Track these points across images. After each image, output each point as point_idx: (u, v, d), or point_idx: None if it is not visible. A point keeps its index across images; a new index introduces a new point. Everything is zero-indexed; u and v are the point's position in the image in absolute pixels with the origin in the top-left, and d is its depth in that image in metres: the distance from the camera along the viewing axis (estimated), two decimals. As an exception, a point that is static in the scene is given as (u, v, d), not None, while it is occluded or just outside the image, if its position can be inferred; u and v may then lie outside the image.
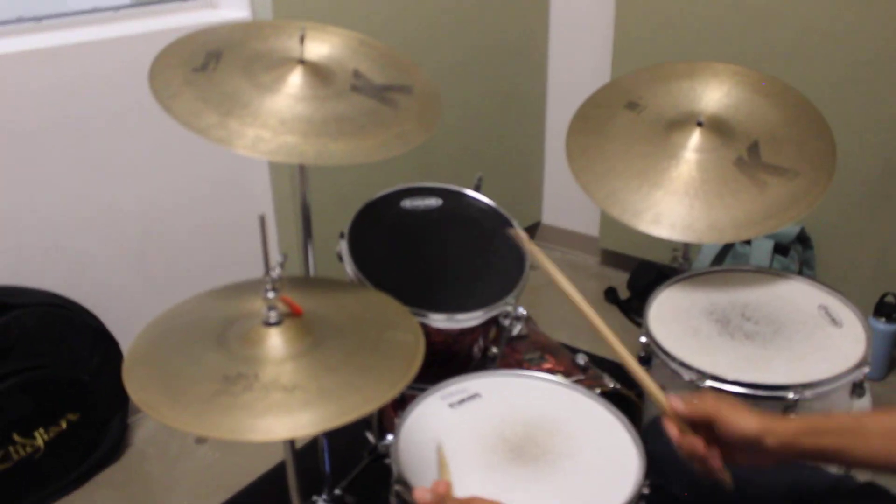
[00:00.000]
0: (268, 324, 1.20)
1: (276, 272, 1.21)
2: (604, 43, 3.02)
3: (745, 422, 1.05)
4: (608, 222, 3.19)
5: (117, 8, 2.24)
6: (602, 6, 3.01)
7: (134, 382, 1.13)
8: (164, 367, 1.17)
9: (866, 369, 1.52)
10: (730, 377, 1.48)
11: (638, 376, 1.19)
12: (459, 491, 1.08)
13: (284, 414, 1.07)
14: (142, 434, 2.36)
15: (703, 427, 1.09)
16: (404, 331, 1.28)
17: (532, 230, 3.56)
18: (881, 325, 2.46)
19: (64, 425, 2.11)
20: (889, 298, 2.48)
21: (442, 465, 1.22)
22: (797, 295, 1.72)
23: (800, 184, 1.68)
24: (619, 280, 3.19)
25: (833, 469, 1.52)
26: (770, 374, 1.49)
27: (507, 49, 3.09)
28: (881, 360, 2.51)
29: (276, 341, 1.19)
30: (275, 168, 2.44)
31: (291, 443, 1.37)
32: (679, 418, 1.11)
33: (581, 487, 1.22)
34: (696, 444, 1.09)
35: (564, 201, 3.47)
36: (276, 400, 1.08)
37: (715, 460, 1.09)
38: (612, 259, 3.35)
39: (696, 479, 1.28)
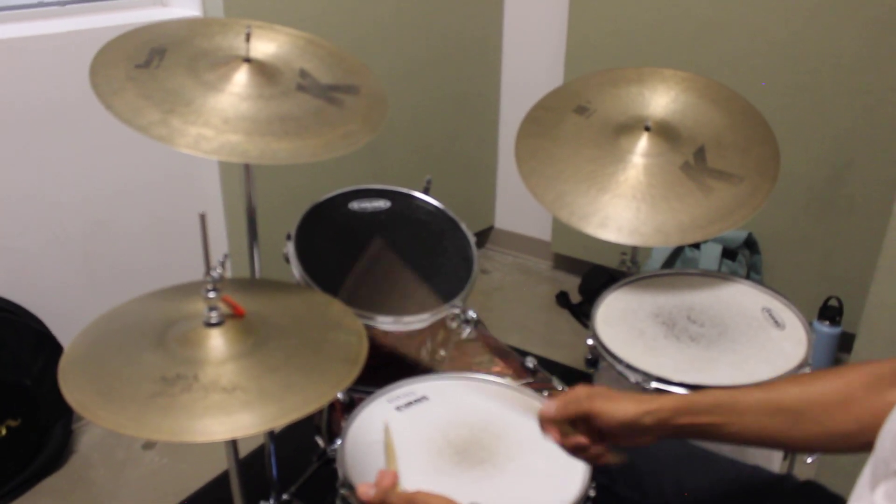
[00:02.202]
0: (209, 324, 1.19)
1: (216, 272, 1.19)
2: (557, 46, 3.04)
3: (622, 409, 1.05)
4: (560, 227, 3.21)
5: (64, 3, 2.20)
6: (555, 10, 3.04)
7: (69, 384, 1.11)
8: (101, 369, 1.15)
9: (808, 370, 1.54)
10: (675, 379, 1.49)
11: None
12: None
13: (224, 415, 1.05)
14: (87, 440, 2.32)
15: (582, 421, 1.10)
16: (347, 332, 1.27)
17: (484, 234, 3.57)
18: (825, 328, 2.51)
19: (4, 431, 2.06)
20: (833, 302, 2.53)
21: (389, 448, 1.21)
22: (742, 298, 1.75)
23: (744, 189, 1.71)
24: (571, 284, 3.21)
25: (775, 466, 1.55)
26: (714, 375, 1.51)
27: (460, 51, 3.09)
28: (825, 362, 2.56)
29: (216, 342, 1.17)
30: (224, 167, 2.41)
31: (234, 444, 1.36)
32: (557, 421, 1.12)
33: (527, 490, 1.22)
34: (579, 441, 1.09)
35: (517, 205, 3.48)
36: (216, 401, 1.07)
37: (600, 450, 1.10)
38: (564, 263, 3.37)
39: (641, 479, 1.29)
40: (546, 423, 1.12)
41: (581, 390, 1.10)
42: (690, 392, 1.10)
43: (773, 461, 1.56)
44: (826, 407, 0.98)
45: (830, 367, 1.23)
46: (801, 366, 1.53)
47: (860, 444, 0.92)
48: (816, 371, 1.06)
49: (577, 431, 1.10)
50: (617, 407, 1.06)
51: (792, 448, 1.12)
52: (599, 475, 1.23)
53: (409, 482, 1.18)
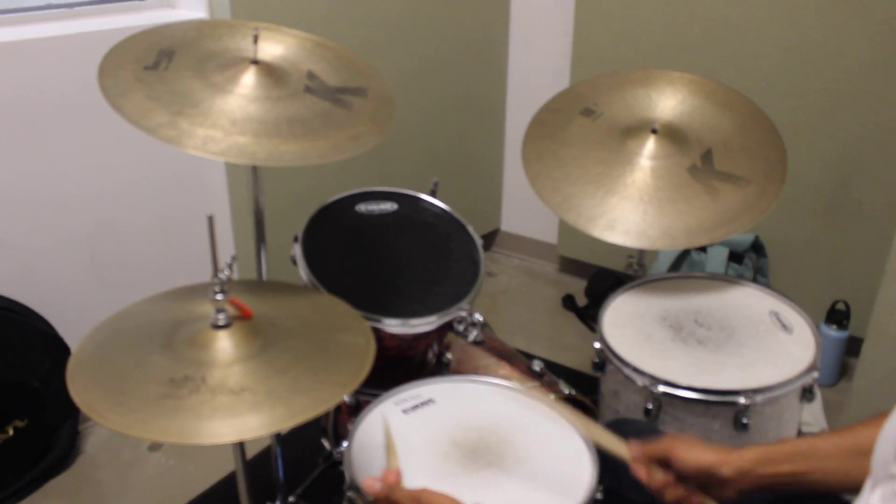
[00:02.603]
0: (216, 326, 1.19)
1: (224, 274, 1.19)
2: (563, 49, 3.04)
3: (700, 455, 1.09)
4: (566, 229, 3.21)
5: (72, 5, 2.21)
6: (562, 12, 3.03)
7: (78, 385, 1.11)
8: (109, 371, 1.15)
9: (815, 374, 1.54)
10: (682, 382, 1.49)
11: (600, 440, 1.21)
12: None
13: (231, 416, 1.05)
14: (94, 441, 2.32)
15: (663, 465, 1.12)
16: (355, 334, 1.27)
17: (490, 237, 3.57)
18: (832, 331, 2.50)
19: (11, 432, 2.06)
20: (840, 306, 2.52)
21: (390, 448, 1.21)
22: (749, 301, 1.74)
23: (751, 192, 1.70)
24: (577, 287, 3.20)
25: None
26: (721, 379, 1.51)
27: (467, 53, 3.09)
28: (832, 366, 2.55)
29: (224, 344, 1.17)
30: (231, 169, 2.42)
31: (241, 446, 1.36)
32: (642, 459, 1.14)
33: (534, 493, 1.22)
34: (666, 480, 1.11)
35: (523, 208, 3.48)
36: (224, 403, 1.07)
37: (692, 492, 1.11)
38: (571, 266, 3.37)
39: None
40: (634, 461, 1.15)
41: (668, 435, 1.13)
42: (769, 444, 1.11)
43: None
44: None
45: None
46: (809, 370, 1.53)
47: None
48: (888, 411, 1.06)
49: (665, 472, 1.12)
50: (694, 452, 1.09)
51: None
52: (608, 479, 1.23)
53: (416, 485, 1.18)
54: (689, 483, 1.12)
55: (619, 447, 1.19)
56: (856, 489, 1.09)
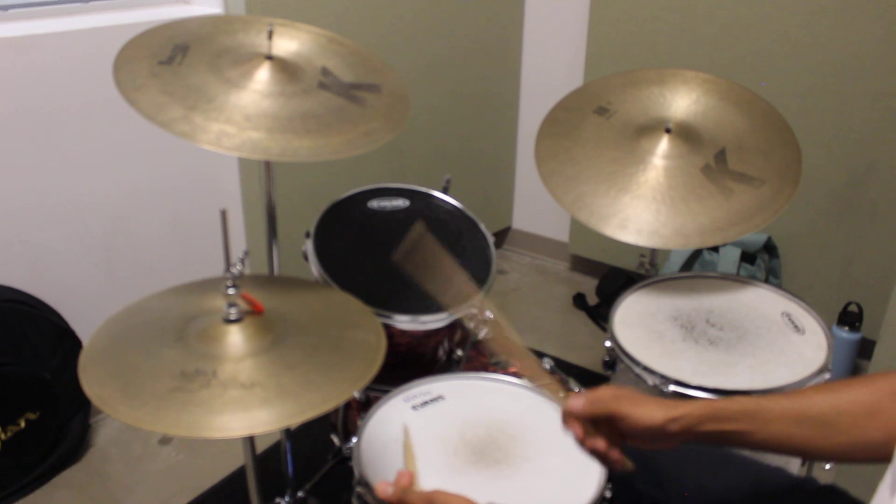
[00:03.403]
0: (228, 321, 1.19)
1: (236, 269, 1.19)
2: (577, 47, 3.04)
3: (649, 414, 1.05)
4: (578, 228, 3.20)
5: (87, 0, 2.22)
6: (576, 10, 3.03)
7: (90, 378, 1.12)
8: (120, 364, 1.16)
9: (827, 375, 1.53)
10: (693, 382, 1.48)
11: (539, 379, 1.18)
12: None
13: (242, 411, 1.06)
14: (104, 434, 2.33)
15: (605, 422, 1.09)
16: (366, 330, 1.27)
17: (502, 235, 3.57)
18: (844, 333, 2.49)
19: (23, 424, 2.07)
20: (852, 307, 2.51)
21: (407, 450, 1.21)
22: (761, 302, 1.73)
23: (765, 192, 1.70)
24: (589, 286, 3.20)
25: (794, 470, 1.54)
26: (733, 379, 1.50)
27: (480, 51, 3.09)
28: (844, 368, 2.54)
29: (235, 338, 1.18)
30: (244, 165, 2.42)
31: (251, 441, 1.36)
32: (581, 418, 1.11)
33: (543, 490, 1.22)
34: (597, 444, 1.09)
35: (535, 206, 3.48)
36: (234, 397, 1.07)
37: (616, 455, 1.09)
38: (582, 265, 3.36)
39: (662, 477, 1.29)
40: (570, 418, 1.12)
41: (607, 391, 1.09)
42: (716, 398, 1.09)
43: (792, 464, 1.55)
44: (854, 416, 0.97)
45: (858, 376, 1.21)
46: (820, 371, 1.52)
47: (887, 454, 0.91)
48: (844, 379, 1.05)
49: (599, 432, 1.09)
50: (643, 411, 1.05)
51: (818, 458, 1.11)
52: (618, 473, 1.23)
53: (426, 481, 1.18)
54: (622, 440, 1.08)
55: (559, 399, 1.15)
56: (796, 453, 1.08)
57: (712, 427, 1.03)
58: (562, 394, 1.14)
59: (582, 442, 1.10)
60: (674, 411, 1.04)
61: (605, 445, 1.08)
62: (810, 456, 1.30)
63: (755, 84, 1.90)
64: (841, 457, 1.01)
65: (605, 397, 1.08)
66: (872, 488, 0.86)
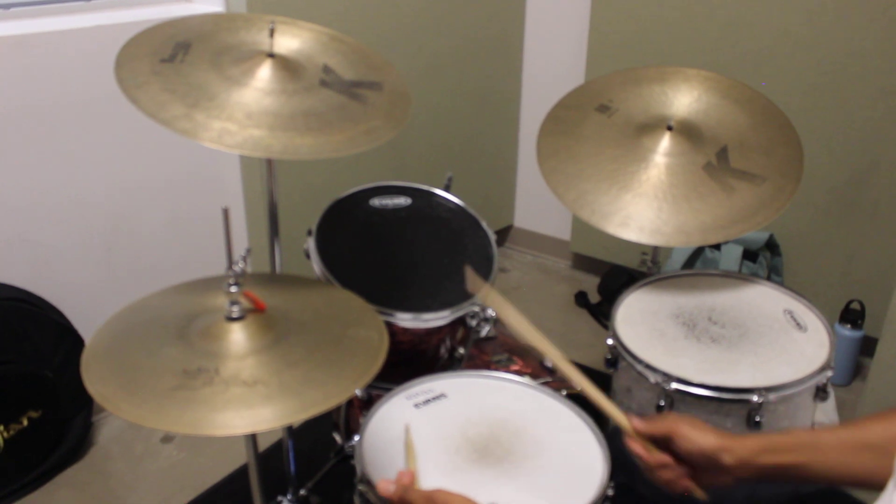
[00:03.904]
0: (230, 318, 1.19)
1: (238, 266, 1.19)
2: (579, 44, 3.04)
3: (704, 438, 1.07)
4: (580, 226, 3.20)
5: (90, -2, 2.22)
6: (577, 8, 3.03)
7: (92, 376, 1.12)
8: (123, 362, 1.15)
9: (829, 373, 1.53)
10: (695, 380, 1.48)
11: (597, 400, 1.19)
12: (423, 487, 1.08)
13: (245, 408, 1.05)
14: (106, 433, 2.33)
15: (663, 445, 1.10)
16: (368, 328, 1.27)
17: (504, 233, 3.57)
18: (847, 331, 2.49)
19: (25, 423, 2.07)
20: (855, 305, 2.51)
21: (409, 449, 1.21)
22: (763, 299, 1.73)
23: (767, 190, 1.69)
24: (590, 284, 3.20)
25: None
26: (735, 376, 1.50)
27: (482, 49, 3.09)
28: (846, 366, 2.54)
29: (237, 336, 1.18)
30: (246, 163, 2.42)
31: (253, 438, 1.36)
32: (641, 436, 1.12)
33: (545, 488, 1.21)
34: (664, 459, 1.10)
35: (537, 204, 3.48)
36: (237, 394, 1.07)
37: (683, 476, 1.10)
38: (584, 263, 3.36)
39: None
40: (631, 436, 1.14)
41: (671, 414, 1.12)
42: (773, 433, 1.10)
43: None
44: None
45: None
46: (823, 368, 1.52)
47: None
48: None
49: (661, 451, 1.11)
50: (699, 435, 1.08)
51: (877, 487, 1.12)
52: (621, 475, 1.23)
53: (427, 479, 1.18)
54: (683, 466, 1.10)
55: (619, 417, 1.16)
56: (857, 483, 1.08)
57: (769, 460, 1.04)
58: (620, 412, 1.16)
59: (646, 459, 1.12)
60: (728, 441, 1.06)
61: (672, 459, 1.09)
62: (869, 486, 1.30)
63: (756, 82, 1.90)
64: None
65: (666, 417, 1.11)
66: (873, 492, 0.86)
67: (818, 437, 1.04)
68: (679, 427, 1.09)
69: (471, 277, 1.39)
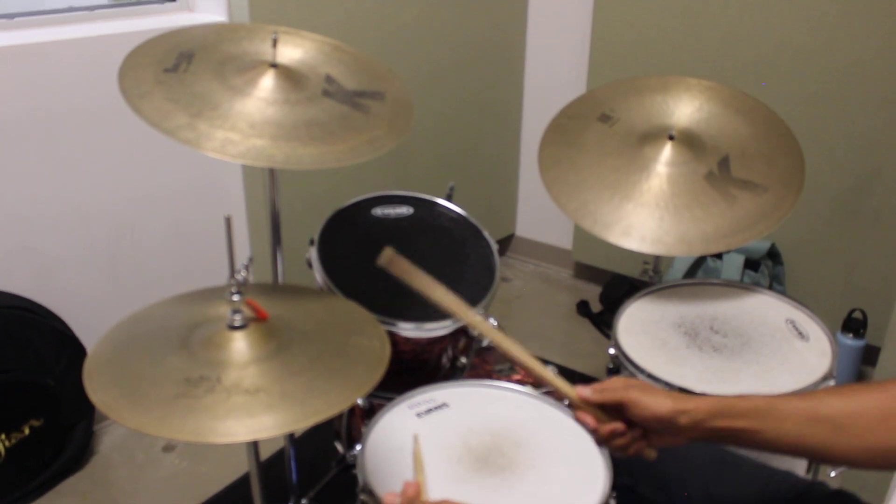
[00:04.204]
0: (232, 327, 1.19)
1: (241, 275, 1.20)
2: (580, 54, 3.04)
3: (658, 403, 1.06)
4: (581, 235, 3.21)
5: (93, 8, 2.23)
6: (579, 17, 3.04)
7: (94, 384, 1.12)
8: (125, 370, 1.16)
9: (832, 382, 1.53)
10: (697, 389, 1.48)
11: (542, 374, 1.18)
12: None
13: (246, 416, 1.06)
14: (108, 441, 2.33)
15: (615, 412, 1.09)
16: (370, 337, 1.27)
17: (505, 242, 3.57)
18: (849, 340, 2.49)
19: (27, 431, 2.07)
20: (857, 314, 2.51)
21: (417, 460, 1.21)
22: (765, 309, 1.73)
23: (769, 199, 1.70)
24: (592, 293, 3.20)
25: (802, 474, 1.54)
26: (737, 386, 1.50)
27: (483, 58, 3.10)
28: (849, 375, 2.53)
29: (240, 345, 1.18)
30: (248, 172, 2.43)
31: (255, 446, 1.36)
32: (592, 407, 1.11)
33: (547, 498, 1.21)
34: (615, 427, 1.09)
35: (538, 214, 3.48)
36: (239, 403, 1.07)
37: (636, 440, 1.09)
38: (586, 272, 3.36)
39: (667, 482, 1.28)
40: (580, 407, 1.12)
41: (618, 380, 1.10)
42: (728, 396, 1.09)
43: (798, 468, 1.55)
44: (868, 420, 0.97)
45: (873, 381, 1.21)
46: (825, 378, 1.52)
47: None
48: (859, 383, 1.05)
49: (613, 419, 1.10)
50: (653, 400, 1.06)
51: (828, 461, 1.11)
52: (623, 476, 1.22)
53: (430, 489, 1.17)
54: (636, 430, 1.10)
55: (566, 388, 1.15)
56: (807, 455, 1.08)
57: (722, 423, 1.03)
58: (567, 385, 1.15)
59: (597, 429, 1.10)
60: (684, 403, 1.05)
61: (624, 426, 1.08)
62: (820, 458, 1.29)
63: (758, 91, 1.90)
64: (852, 461, 1.00)
65: (615, 385, 1.09)
66: (880, 493, 0.86)
67: (774, 404, 1.03)
68: (630, 394, 1.08)
69: (385, 254, 1.26)
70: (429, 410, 1.39)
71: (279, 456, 1.82)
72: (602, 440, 1.13)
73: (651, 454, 1.10)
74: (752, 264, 2.65)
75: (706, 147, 1.78)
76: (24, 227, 2.10)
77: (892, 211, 2.52)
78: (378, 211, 1.79)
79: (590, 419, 1.11)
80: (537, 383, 1.78)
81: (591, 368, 2.69)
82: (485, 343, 1.93)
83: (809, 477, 1.58)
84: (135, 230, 2.32)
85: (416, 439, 1.26)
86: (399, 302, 1.62)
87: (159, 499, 2.14)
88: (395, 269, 1.20)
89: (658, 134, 1.79)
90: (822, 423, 0.99)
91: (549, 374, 1.18)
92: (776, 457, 1.38)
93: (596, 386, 1.10)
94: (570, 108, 1.92)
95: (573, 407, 1.14)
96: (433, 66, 2.88)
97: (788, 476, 1.30)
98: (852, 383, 1.04)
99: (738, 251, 2.63)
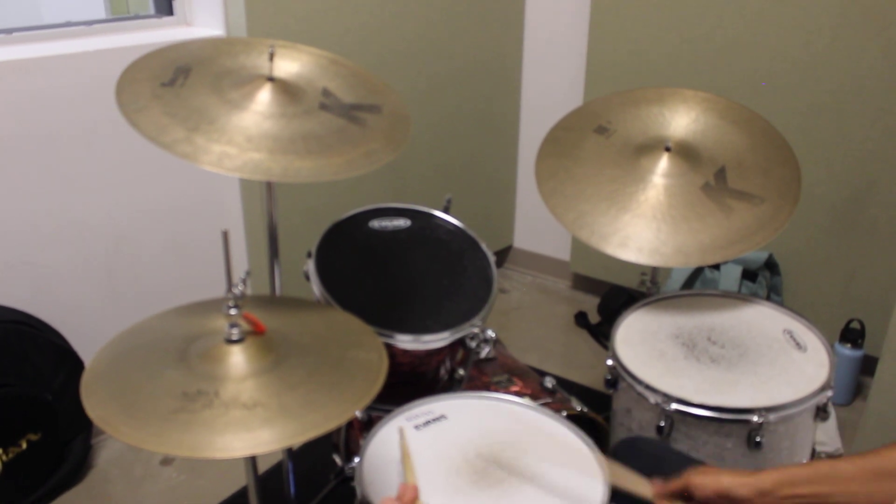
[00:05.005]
0: (229, 341, 1.19)
1: (238, 289, 1.20)
2: (577, 66, 3.05)
3: (716, 479, 1.11)
4: (579, 246, 3.21)
5: (90, 22, 2.23)
6: (575, 30, 3.05)
7: (92, 399, 1.12)
8: (123, 384, 1.16)
9: (829, 393, 1.53)
10: (695, 400, 1.49)
11: (620, 478, 1.21)
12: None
13: (244, 431, 1.06)
14: (106, 455, 2.32)
15: (685, 497, 1.12)
16: (367, 349, 1.28)
17: (503, 254, 3.57)
18: (847, 350, 2.48)
19: (24, 445, 2.07)
20: (854, 324, 2.51)
21: (405, 456, 1.21)
22: (762, 319, 1.74)
23: (765, 210, 1.70)
24: (590, 304, 3.19)
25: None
26: (735, 397, 1.50)
27: (480, 71, 3.10)
28: (847, 385, 2.53)
29: (237, 359, 1.18)
30: (246, 185, 2.43)
31: (253, 461, 1.36)
32: (665, 496, 1.14)
33: (544, 510, 1.21)
34: None
35: (536, 225, 3.48)
36: (237, 417, 1.07)
37: None
38: (583, 283, 3.36)
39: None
40: (658, 497, 1.15)
41: (688, 470, 1.14)
42: (789, 465, 1.11)
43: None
44: None
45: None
46: (823, 388, 1.52)
47: None
48: None
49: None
50: (713, 478, 1.11)
51: None
52: (618, 498, 1.23)
53: (428, 501, 1.17)
54: None
55: (641, 486, 1.19)
56: None
57: (788, 491, 1.05)
58: (640, 481, 1.19)
59: None
60: (744, 478, 1.08)
61: None
62: None
63: (754, 102, 1.91)
64: None
65: (684, 473, 1.14)
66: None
67: (837, 466, 1.05)
68: (692, 477, 1.12)
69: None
70: (427, 423, 1.39)
71: (277, 469, 1.82)
72: None
73: None
74: (749, 275, 2.65)
75: (703, 158, 1.78)
76: (23, 241, 2.10)
77: (889, 220, 2.53)
78: (375, 223, 1.79)
79: None
80: (535, 395, 1.78)
81: (589, 379, 2.69)
82: (483, 354, 1.93)
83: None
84: (132, 244, 2.32)
85: (402, 433, 1.25)
86: (396, 314, 1.63)
87: (157, 513, 2.14)
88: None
89: (655, 145, 1.80)
90: (888, 479, 1.00)
91: (632, 478, 1.21)
92: None
93: (667, 478, 1.16)
94: (566, 120, 1.93)
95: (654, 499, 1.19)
96: (430, 80, 2.89)
97: None
98: None
99: (736, 262, 2.64)
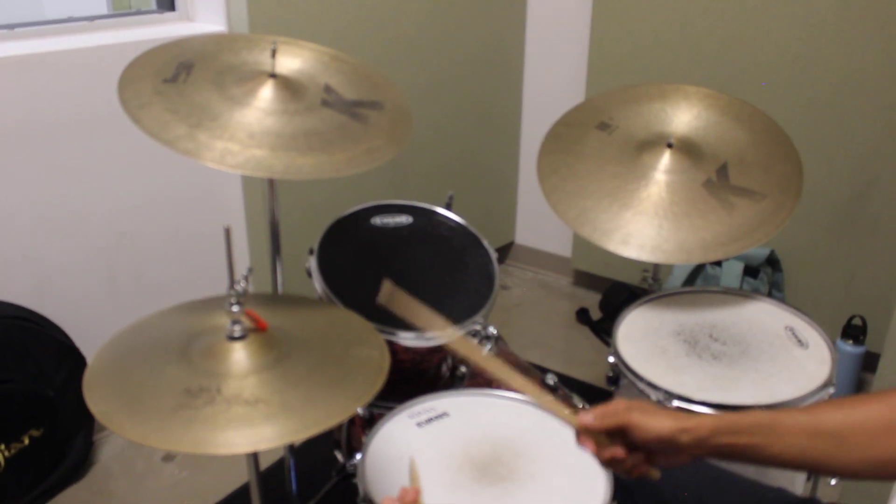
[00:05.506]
0: (231, 338, 1.19)
1: (240, 286, 1.20)
2: (579, 63, 3.05)
3: (659, 424, 1.04)
4: (581, 243, 3.21)
5: (92, 18, 2.23)
6: (577, 26, 3.04)
7: (94, 395, 1.12)
8: (125, 381, 1.16)
9: (831, 390, 1.53)
10: (696, 397, 1.48)
11: (541, 400, 1.17)
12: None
13: (246, 427, 1.06)
14: (107, 451, 2.33)
15: (618, 435, 1.09)
16: (370, 347, 1.28)
17: (505, 250, 3.57)
18: (848, 347, 2.48)
19: (26, 441, 2.07)
20: (856, 321, 2.51)
21: (413, 478, 1.21)
22: (764, 316, 1.73)
23: (767, 206, 1.70)
24: (592, 301, 3.20)
25: (799, 488, 1.54)
26: (736, 394, 1.50)
27: (482, 67, 3.10)
28: (849, 382, 2.53)
29: (239, 355, 1.18)
30: (248, 182, 2.43)
31: (255, 457, 1.36)
32: (593, 432, 1.10)
33: (547, 508, 1.21)
34: (616, 452, 1.08)
35: (538, 221, 3.48)
36: (239, 413, 1.07)
37: (639, 462, 1.09)
38: (585, 280, 3.36)
39: (664, 499, 1.28)
40: (582, 433, 1.11)
41: (620, 403, 1.09)
42: (730, 412, 1.08)
43: (797, 484, 1.55)
44: (870, 432, 0.97)
45: (873, 392, 1.20)
46: (825, 385, 1.52)
47: None
48: (859, 395, 1.04)
49: (614, 444, 1.09)
50: (654, 421, 1.05)
51: (830, 473, 1.11)
52: (621, 494, 1.22)
53: (430, 498, 1.17)
54: (638, 452, 1.09)
55: (568, 416, 1.15)
56: (811, 468, 1.07)
57: (725, 440, 1.03)
58: (568, 411, 1.14)
59: (598, 455, 1.10)
60: (685, 422, 1.04)
61: (624, 452, 1.08)
62: (823, 471, 1.29)
63: (756, 98, 1.90)
64: (854, 473, 1.00)
65: (617, 409, 1.08)
66: (881, 502, 0.86)
67: (777, 419, 1.03)
68: (631, 417, 1.06)
69: (385, 291, 1.24)
70: (429, 420, 1.39)
71: (279, 465, 1.82)
72: (604, 464, 1.12)
73: (655, 474, 1.10)
74: (751, 271, 2.65)
75: (705, 155, 1.78)
76: (24, 237, 2.10)
77: (891, 217, 2.52)
78: (377, 220, 1.79)
79: (590, 444, 1.11)
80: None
81: (590, 376, 2.69)
82: (485, 351, 1.93)
83: (809, 487, 1.58)
84: (135, 240, 2.32)
85: (412, 462, 1.24)
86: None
87: (159, 509, 2.14)
88: (396, 306, 1.19)
89: (656, 142, 1.80)
90: (824, 437, 0.99)
91: (551, 401, 1.17)
92: (771, 472, 1.38)
93: (597, 411, 1.09)
94: (568, 117, 1.92)
95: (577, 433, 1.13)
96: (432, 76, 2.89)
97: (782, 493, 1.29)
98: (853, 395, 1.03)
99: (737, 258, 2.63)
